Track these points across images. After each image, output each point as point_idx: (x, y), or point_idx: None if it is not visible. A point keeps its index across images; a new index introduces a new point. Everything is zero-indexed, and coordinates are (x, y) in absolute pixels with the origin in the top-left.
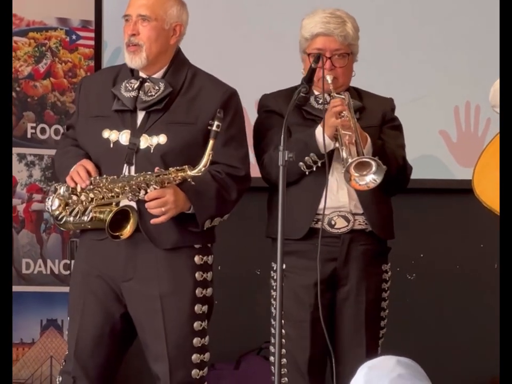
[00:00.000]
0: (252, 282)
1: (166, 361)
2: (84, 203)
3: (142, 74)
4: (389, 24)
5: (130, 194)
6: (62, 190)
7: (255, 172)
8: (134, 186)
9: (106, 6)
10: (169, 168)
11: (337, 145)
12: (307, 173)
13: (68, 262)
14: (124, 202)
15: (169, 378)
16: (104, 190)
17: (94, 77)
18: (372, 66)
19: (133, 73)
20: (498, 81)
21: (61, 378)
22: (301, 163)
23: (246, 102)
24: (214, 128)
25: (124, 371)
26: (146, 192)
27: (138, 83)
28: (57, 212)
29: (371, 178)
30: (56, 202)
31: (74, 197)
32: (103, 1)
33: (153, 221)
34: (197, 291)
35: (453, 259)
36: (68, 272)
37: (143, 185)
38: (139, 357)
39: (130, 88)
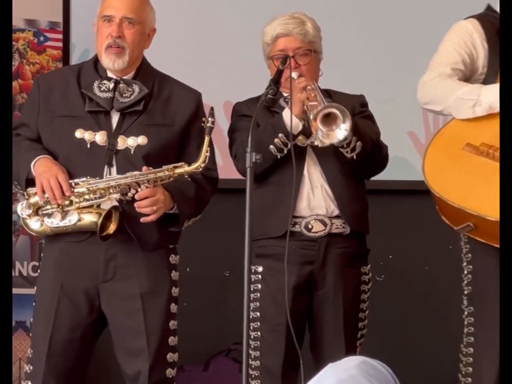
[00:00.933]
0: (220, 284)
1: (147, 359)
2: (62, 207)
3: (111, 75)
4: (359, 25)
5: (119, 194)
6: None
7: (222, 173)
8: (123, 186)
9: (74, 8)
10: (163, 166)
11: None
12: (279, 156)
13: (37, 264)
14: (105, 203)
15: (148, 377)
16: (87, 191)
17: (51, 75)
18: (341, 68)
19: (98, 73)
20: (426, 78)
21: (30, 383)
22: (271, 146)
23: (214, 104)
24: (209, 124)
25: (93, 372)
26: (136, 192)
27: (113, 84)
28: (27, 220)
29: (342, 129)
30: (28, 210)
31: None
32: (71, 3)
33: (143, 219)
34: (172, 290)
35: (422, 260)
36: (37, 274)
37: (134, 184)
38: (107, 358)
39: (106, 89)
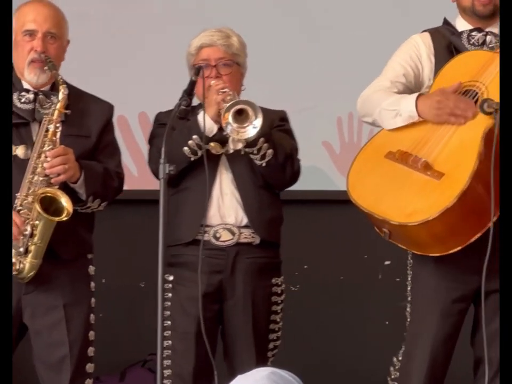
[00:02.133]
0: (136, 295)
1: (69, 370)
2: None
3: (27, 86)
4: (272, 35)
5: (44, 183)
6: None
7: (137, 185)
8: (38, 171)
9: None
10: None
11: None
12: (192, 159)
13: None
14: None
15: None
16: (27, 210)
17: None
18: (254, 77)
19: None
20: (365, 91)
21: None
22: (185, 148)
23: (129, 115)
24: None
25: None
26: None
27: (33, 95)
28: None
29: (253, 126)
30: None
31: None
32: None
33: (54, 180)
34: (91, 300)
35: (337, 270)
36: None
37: (42, 161)
38: (26, 372)
39: (26, 101)
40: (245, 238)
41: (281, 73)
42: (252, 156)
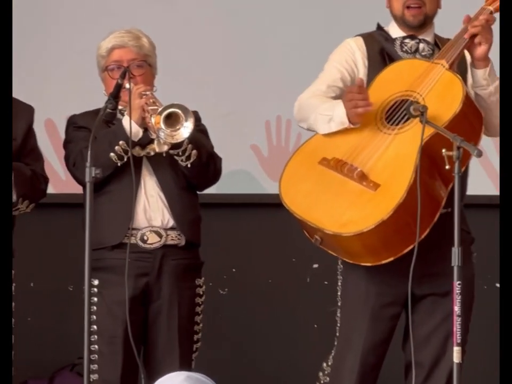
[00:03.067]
0: (65, 298)
1: None
2: None
3: None
4: (202, 38)
5: None
6: None
7: (64, 188)
8: None
9: None
10: None
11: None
12: (119, 164)
13: None
14: None
15: None
16: None
17: None
18: (183, 80)
19: None
20: (301, 96)
21: None
22: (111, 154)
23: (57, 117)
24: None
25: None
26: None
27: None
28: None
29: (186, 127)
30: None
31: None
32: None
33: None
34: (13, 304)
35: (265, 273)
36: None
37: None
38: None
39: None
40: (172, 240)
41: (210, 75)
42: (176, 158)
